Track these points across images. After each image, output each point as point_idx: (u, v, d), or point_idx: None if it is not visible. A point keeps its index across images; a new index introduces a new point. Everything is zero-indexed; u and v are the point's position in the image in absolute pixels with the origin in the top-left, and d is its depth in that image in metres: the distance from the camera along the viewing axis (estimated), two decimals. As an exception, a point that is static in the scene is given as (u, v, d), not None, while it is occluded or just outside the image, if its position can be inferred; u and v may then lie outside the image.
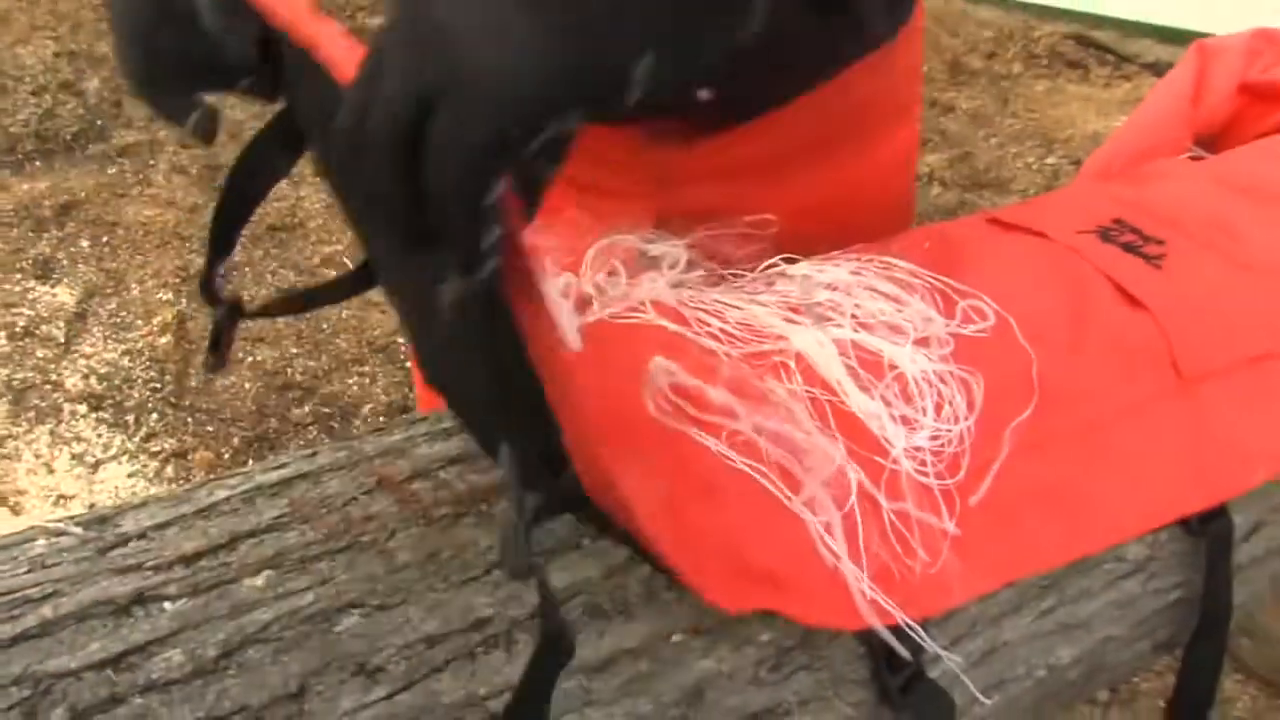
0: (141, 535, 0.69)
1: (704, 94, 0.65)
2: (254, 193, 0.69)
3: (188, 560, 0.67)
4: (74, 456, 2.39)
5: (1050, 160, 3.40)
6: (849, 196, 1.01)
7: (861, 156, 1.02)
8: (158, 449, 2.41)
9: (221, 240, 0.70)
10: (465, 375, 0.64)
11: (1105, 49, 4.05)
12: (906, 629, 0.68)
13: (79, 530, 0.69)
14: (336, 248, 2.95)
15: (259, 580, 0.66)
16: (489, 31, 0.48)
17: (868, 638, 0.71)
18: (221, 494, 0.71)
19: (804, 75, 0.94)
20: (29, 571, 0.66)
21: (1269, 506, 0.91)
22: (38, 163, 3.24)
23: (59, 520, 0.70)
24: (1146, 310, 0.86)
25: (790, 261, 0.87)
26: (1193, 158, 1.15)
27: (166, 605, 0.64)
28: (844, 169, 1.01)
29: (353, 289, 0.75)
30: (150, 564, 0.66)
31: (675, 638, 0.68)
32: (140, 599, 0.64)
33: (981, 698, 0.75)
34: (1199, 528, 0.85)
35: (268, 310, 0.77)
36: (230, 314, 0.72)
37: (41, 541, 0.68)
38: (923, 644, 0.69)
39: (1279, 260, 0.94)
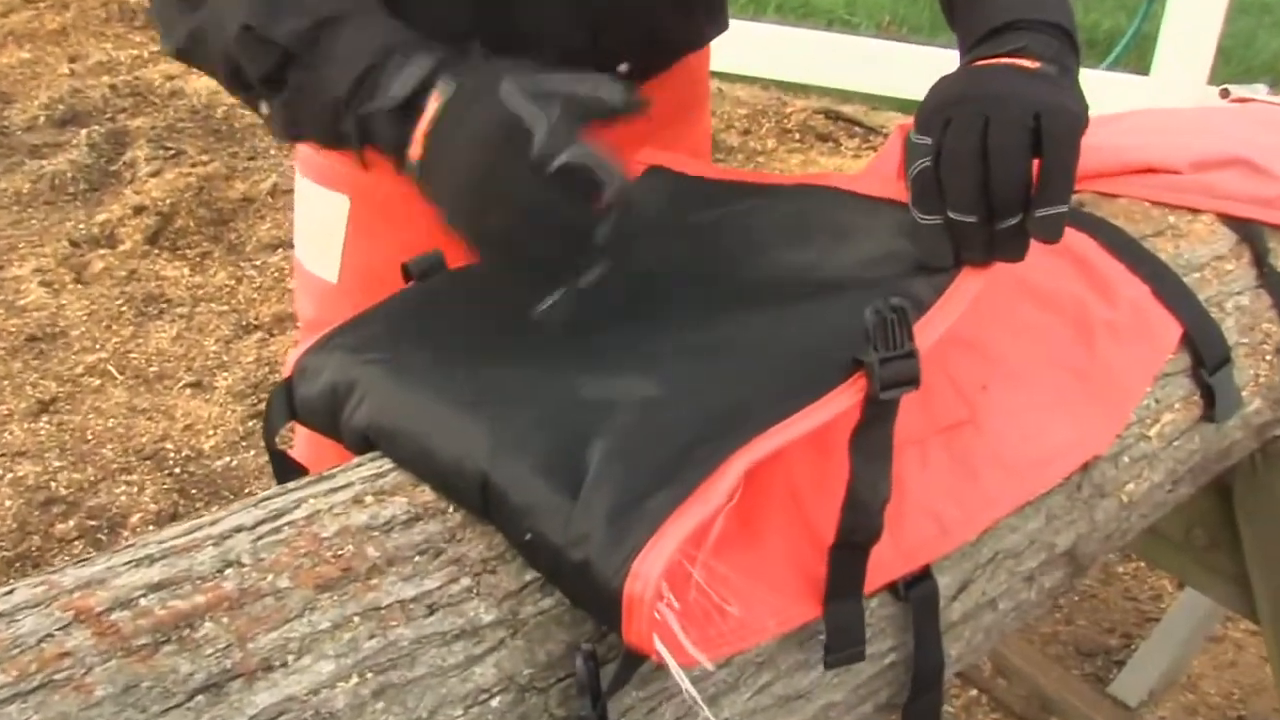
0: None
1: (623, 68, 1.16)
2: None
3: None
4: None
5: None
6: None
7: (693, 126, 1.39)
8: (-84, 574, 2.30)
9: None
10: None
11: (853, 122, 4.19)
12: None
13: None
14: (101, 355, 2.87)
15: (-60, 733, 0.63)
16: None
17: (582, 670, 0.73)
18: (-91, 641, 0.68)
19: (682, 50, 1.29)
20: None
21: (974, 565, 0.94)
22: None
23: None
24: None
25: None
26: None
27: None
28: (686, 137, 1.35)
29: None
30: None
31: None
32: None
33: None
34: (905, 593, 0.88)
35: None
36: None
37: None
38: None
39: (978, 337, 0.99)
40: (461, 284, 0.99)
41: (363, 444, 0.87)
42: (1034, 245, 0.87)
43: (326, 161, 1.24)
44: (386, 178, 1.16)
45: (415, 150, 0.87)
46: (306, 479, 0.84)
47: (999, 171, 0.84)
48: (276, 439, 0.94)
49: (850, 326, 0.79)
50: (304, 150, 1.28)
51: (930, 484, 0.89)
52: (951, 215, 0.87)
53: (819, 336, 0.85)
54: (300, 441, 1.30)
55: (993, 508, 0.93)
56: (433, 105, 0.86)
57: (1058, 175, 0.85)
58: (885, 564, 0.84)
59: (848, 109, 4.25)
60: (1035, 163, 0.85)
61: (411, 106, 0.87)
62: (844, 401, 0.78)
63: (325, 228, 1.28)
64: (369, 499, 0.79)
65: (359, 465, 0.85)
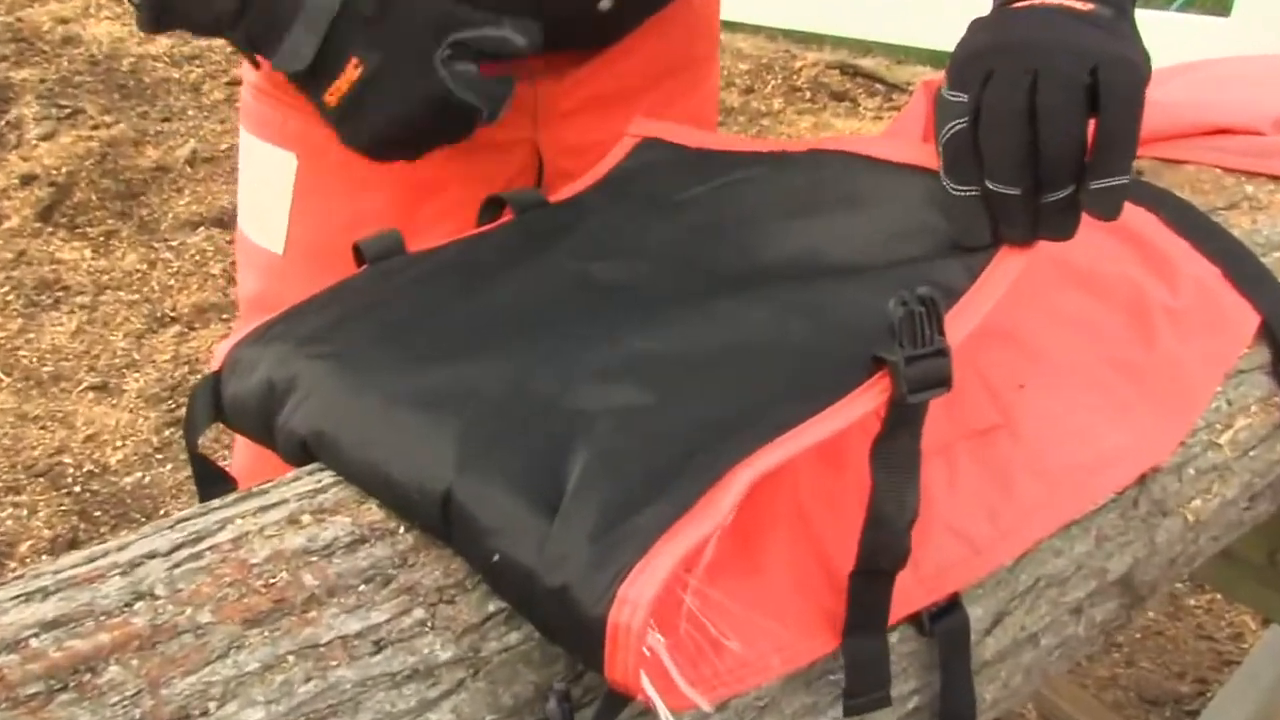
0: None
1: (605, 4, 1.19)
2: None
3: None
4: None
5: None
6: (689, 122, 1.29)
7: (695, 87, 1.43)
8: None
9: None
10: None
11: (873, 78, 4.20)
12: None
13: None
14: (-14, 355, 2.88)
15: None
16: None
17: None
18: None
19: None
20: None
21: (1011, 593, 0.95)
22: None
23: None
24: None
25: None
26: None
27: None
28: (688, 95, 1.41)
29: None
30: None
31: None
32: None
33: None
34: (931, 626, 0.89)
35: None
36: None
37: None
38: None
39: (1014, 328, 1.00)
40: (423, 270, 1.01)
41: (299, 452, 0.88)
42: (1084, 220, 0.88)
43: (274, 114, 1.25)
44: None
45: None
46: (233, 496, 0.84)
47: (1048, 135, 0.84)
48: (201, 444, 0.94)
49: (871, 318, 0.80)
50: (249, 102, 1.29)
51: (958, 498, 0.90)
52: (990, 186, 0.87)
53: (835, 330, 0.85)
54: (239, 453, 1.31)
55: (1031, 525, 0.94)
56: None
57: (1119, 140, 0.84)
58: (906, 592, 0.85)
59: (866, 63, 4.27)
60: (1090, 124, 0.85)
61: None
62: (864, 405, 0.78)
63: (270, 191, 1.28)
64: (306, 518, 0.80)
65: (295, 479, 0.85)
